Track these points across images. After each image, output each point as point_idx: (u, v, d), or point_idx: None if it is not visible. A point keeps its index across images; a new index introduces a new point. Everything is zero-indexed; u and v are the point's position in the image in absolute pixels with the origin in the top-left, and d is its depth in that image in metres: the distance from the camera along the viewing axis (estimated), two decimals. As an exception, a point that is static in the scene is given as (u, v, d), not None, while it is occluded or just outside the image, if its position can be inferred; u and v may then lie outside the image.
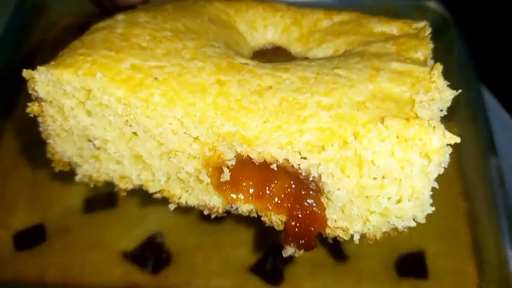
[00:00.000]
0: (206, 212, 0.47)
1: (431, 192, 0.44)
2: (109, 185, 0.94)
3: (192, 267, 0.88)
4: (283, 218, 0.44)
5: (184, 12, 0.53)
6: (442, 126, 0.42)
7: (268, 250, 0.90)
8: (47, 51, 1.15)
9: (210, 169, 0.43)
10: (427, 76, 0.45)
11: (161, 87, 0.41)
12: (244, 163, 0.41)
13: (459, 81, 1.10)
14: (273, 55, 0.53)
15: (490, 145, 0.98)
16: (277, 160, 0.41)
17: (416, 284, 0.89)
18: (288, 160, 0.41)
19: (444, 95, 0.46)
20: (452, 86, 1.13)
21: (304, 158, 0.41)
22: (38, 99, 0.46)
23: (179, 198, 0.48)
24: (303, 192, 0.43)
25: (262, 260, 0.90)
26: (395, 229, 0.47)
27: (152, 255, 0.90)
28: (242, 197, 0.43)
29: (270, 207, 0.44)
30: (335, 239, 0.91)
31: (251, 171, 0.42)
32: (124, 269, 0.88)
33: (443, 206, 0.97)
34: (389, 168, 0.41)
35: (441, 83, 0.46)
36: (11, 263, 0.89)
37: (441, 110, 0.46)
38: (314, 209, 0.43)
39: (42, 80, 0.44)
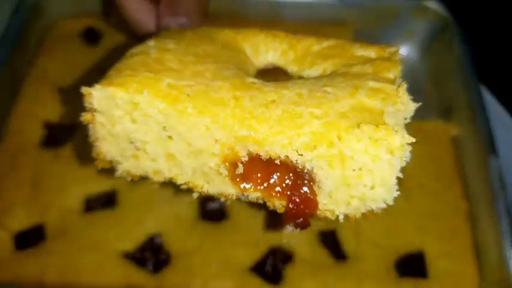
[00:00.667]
0: (223, 199, 0.60)
1: (397, 182, 0.58)
2: (109, 185, 0.96)
3: (191, 268, 0.88)
4: (284, 203, 0.57)
5: (202, 39, 0.66)
6: (404, 130, 0.55)
7: (268, 250, 0.90)
8: (46, 52, 1.15)
9: (227, 164, 0.56)
10: (395, 93, 0.58)
11: (193, 101, 0.54)
12: (254, 159, 0.55)
13: (459, 81, 1.10)
14: (273, 74, 0.67)
15: (490, 145, 0.98)
16: (279, 156, 0.55)
17: (416, 284, 0.89)
18: (288, 156, 0.54)
19: (408, 107, 0.59)
20: (452, 86, 1.14)
21: (301, 155, 0.55)
22: (91, 110, 0.58)
23: (202, 188, 0.60)
24: (299, 182, 0.56)
25: (262, 260, 0.90)
26: (371, 211, 0.59)
27: (151, 255, 0.90)
28: (252, 186, 0.57)
29: (274, 194, 0.58)
30: (335, 239, 0.92)
31: (259, 165, 0.56)
32: (124, 269, 0.88)
33: (443, 206, 0.97)
34: (364, 162, 0.55)
35: (405, 98, 0.58)
36: (10, 263, 0.89)
37: (406, 118, 0.59)
38: (308, 195, 0.57)
39: (98, 96, 0.57)
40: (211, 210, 0.95)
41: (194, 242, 0.90)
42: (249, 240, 0.91)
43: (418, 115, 1.08)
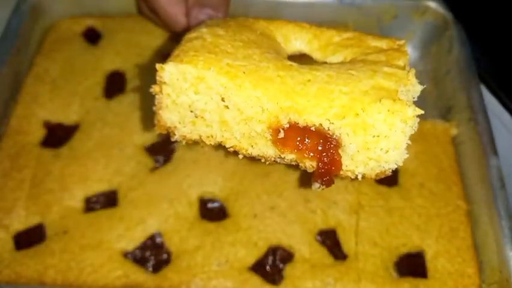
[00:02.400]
0: (263, 160, 0.71)
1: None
2: (109, 184, 0.96)
3: (191, 267, 0.88)
4: (314, 164, 0.68)
5: (243, 28, 0.78)
6: (413, 104, 0.66)
7: (268, 250, 0.90)
8: (47, 52, 1.15)
9: (271, 130, 0.67)
10: (405, 76, 0.69)
11: (248, 78, 0.65)
12: (293, 127, 0.67)
13: (459, 81, 1.10)
14: (300, 59, 0.76)
15: (490, 145, 0.98)
16: (314, 124, 0.66)
17: (416, 284, 0.89)
18: (321, 124, 0.66)
19: (415, 88, 0.70)
20: (452, 86, 1.14)
21: (332, 123, 0.66)
22: (160, 83, 0.68)
23: (247, 150, 0.71)
24: (327, 147, 0.67)
25: (262, 259, 0.90)
26: (384, 171, 0.70)
27: (152, 255, 0.90)
28: (289, 149, 0.68)
29: (306, 156, 0.68)
30: (335, 239, 0.92)
31: (297, 132, 0.67)
32: (124, 269, 0.88)
33: (443, 206, 0.97)
34: (382, 129, 0.65)
35: (414, 81, 0.69)
36: (10, 263, 0.89)
37: (414, 97, 0.70)
38: (335, 157, 0.67)
39: (171, 70, 0.67)
40: (212, 210, 0.96)
41: (194, 242, 0.90)
42: (249, 240, 0.91)
43: (418, 115, 1.09)
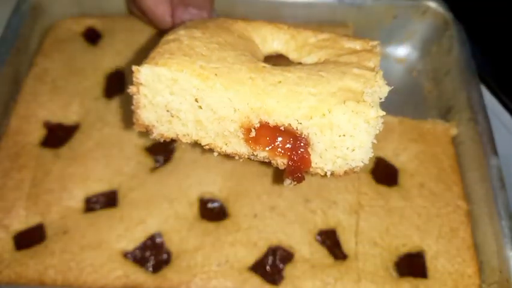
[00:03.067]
0: (237, 158, 0.74)
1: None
2: (109, 184, 0.96)
3: (191, 267, 0.88)
4: (285, 161, 0.71)
5: (221, 30, 0.80)
6: (378, 106, 0.69)
7: (268, 250, 0.90)
8: (47, 52, 1.15)
9: (243, 129, 0.70)
10: (373, 78, 0.72)
11: (220, 80, 0.68)
12: (263, 126, 0.70)
13: (459, 81, 1.10)
14: (277, 59, 0.81)
15: (490, 145, 0.98)
16: (284, 124, 0.69)
17: (416, 284, 0.89)
18: (290, 124, 0.68)
19: (383, 89, 0.71)
20: (452, 86, 1.14)
21: (300, 124, 0.68)
22: (136, 84, 0.70)
23: (221, 148, 0.74)
24: (297, 145, 0.70)
25: (262, 259, 0.90)
26: (352, 169, 0.72)
27: (152, 255, 0.90)
28: (261, 147, 0.71)
29: (277, 154, 0.71)
30: (335, 239, 0.92)
31: (267, 131, 0.70)
32: (124, 269, 0.88)
33: (443, 206, 0.97)
34: (347, 129, 0.68)
35: (381, 82, 0.71)
36: (10, 263, 0.89)
37: (381, 98, 0.72)
38: (304, 155, 0.71)
39: (146, 72, 0.69)
40: (211, 210, 0.96)
41: (194, 242, 0.90)
42: (249, 240, 0.91)
43: (418, 115, 1.09)
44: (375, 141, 0.71)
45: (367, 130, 0.68)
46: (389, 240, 0.93)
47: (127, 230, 0.91)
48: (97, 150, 1.00)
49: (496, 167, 0.95)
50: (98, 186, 0.96)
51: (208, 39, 0.75)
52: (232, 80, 0.69)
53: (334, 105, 0.67)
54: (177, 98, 0.70)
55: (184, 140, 0.74)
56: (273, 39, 0.83)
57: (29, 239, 0.92)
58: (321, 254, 0.91)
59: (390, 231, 0.93)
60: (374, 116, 0.67)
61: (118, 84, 1.10)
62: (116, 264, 0.88)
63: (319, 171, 0.73)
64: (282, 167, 0.73)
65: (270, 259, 0.90)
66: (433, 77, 1.20)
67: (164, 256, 0.90)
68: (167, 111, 0.72)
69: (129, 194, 0.95)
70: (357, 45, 0.80)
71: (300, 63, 0.80)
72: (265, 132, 0.70)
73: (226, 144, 0.74)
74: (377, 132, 0.70)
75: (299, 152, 0.70)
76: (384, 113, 0.69)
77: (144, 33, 1.17)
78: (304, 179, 0.73)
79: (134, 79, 0.70)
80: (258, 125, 0.69)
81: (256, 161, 0.74)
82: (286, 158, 0.71)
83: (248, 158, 0.74)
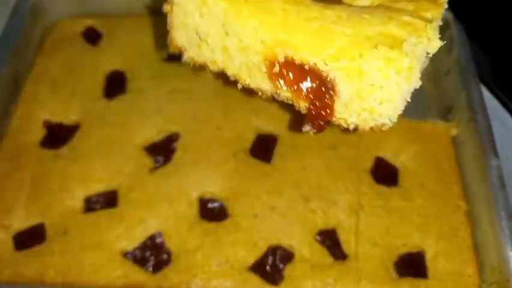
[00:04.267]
0: (260, 93, 0.71)
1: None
2: (109, 185, 0.96)
3: (191, 267, 0.88)
4: (307, 105, 0.67)
5: None
6: (418, 58, 0.62)
7: (268, 250, 0.91)
8: (47, 52, 1.15)
9: (267, 63, 0.66)
10: (424, 27, 0.64)
11: (247, 6, 0.64)
12: (289, 63, 0.65)
13: (459, 81, 1.10)
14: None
15: (490, 145, 0.98)
16: (309, 63, 0.64)
17: (416, 284, 0.89)
18: (316, 64, 0.63)
19: (433, 43, 0.64)
20: (452, 86, 1.14)
21: (326, 65, 0.63)
22: (170, 2, 0.69)
23: (245, 80, 0.71)
24: (322, 89, 0.65)
25: (262, 259, 0.90)
26: (378, 126, 0.67)
27: (152, 255, 0.90)
28: (284, 86, 0.67)
29: (300, 96, 0.67)
30: (335, 239, 0.92)
31: (292, 69, 0.65)
32: (124, 269, 0.88)
33: (443, 206, 0.97)
34: (377, 78, 0.62)
35: (431, 34, 0.64)
36: (10, 263, 0.89)
37: (428, 53, 0.65)
38: (327, 101, 0.65)
39: None
40: (212, 210, 0.96)
41: (194, 242, 0.90)
42: (249, 240, 0.91)
43: (418, 115, 1.09)
44: (408, 98, 0.65)
45: (397, 82, 0.62)
46: (389, 240, 0.93)
47: (127, 230, 0.91)
48: (97, 151, 1.00)
49: (496, 167, 0.95)
50: (98, 186, 0.97)
51: None
52: (262, 9, 0.64)
53: (366, 49, 0.61)
54: (206, 21, 0.68)
55: (211, 68, 0.72)
56: None
57: (29, 239, 0.92)
58: (321, 254, 0.91)
59: (390, 231, 0.94)
60: (406, 66, 0.61)
61: (118, 84, 1.10)
62: (116, 264, 0.88)
63: (342, 122, 0.68)
64: (304, 111, 0.68)
65: (270, 259, 0.90)
66: (433, 77, 1.20)
67: (165, 256, 0.90)
68: (197, 34, 0.70)
69: (129, 194, 0.95)
70: None
71: (351, 5, 0.72)
72: (289, 70, 0.65)
73: (250, 77, 0.70)
74: (411, 88, 0.64)
75: (322, 96, 0.65)
76: (420, 66, 0.62)
77: (145, 33, 1.17)
78: (325, 128, 0.67)
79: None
80: (283, 60, 0.65)
81: (279, 101, 0.71)
82: (309, 102, 0.66)
83: (272, 97, 0.70)
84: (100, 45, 1.17)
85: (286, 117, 1.04)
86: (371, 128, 0.68)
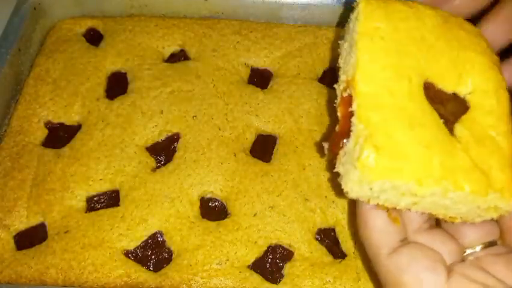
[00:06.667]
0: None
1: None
2: (110, 184, 0.96)
3: (192, 266, 0.89)
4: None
5: None
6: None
7: (268, 249, 0.91)
8: (48, 53, 1.15)
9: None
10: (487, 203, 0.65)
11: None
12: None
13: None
14: (451, 103, 0.68)
15: (489, 145, 0.98)
16: None
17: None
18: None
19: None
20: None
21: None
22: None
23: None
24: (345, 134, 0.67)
25: (262, 258, 0.90)
26: None
27: (153, 254, 0.91)
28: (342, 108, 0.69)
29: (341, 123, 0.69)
30: (334, 238, 0.92)
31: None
32: (125, 268, 0.89)
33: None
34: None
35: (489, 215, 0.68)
36: (11, 263, 0.89)
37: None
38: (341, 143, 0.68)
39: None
40: (212, 209, 0.97)
41: (195, 241, 0.91)
42: (249, 239, 0.91)
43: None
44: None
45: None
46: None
47: (128, 229, 0.92)
48: (98, 150, 1.00)
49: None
50: (99, 186, 0.97)
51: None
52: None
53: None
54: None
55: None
56: (472, 82, 0.69)
57: (30, 238, 0.93)
58: (321, 253, 0.91)
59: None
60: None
61: (119, 85, 1.10)
62: (117, 263, 0.89)
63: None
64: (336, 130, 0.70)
65: (270, 258, 0.91)
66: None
67: (165, 255, 0.91)
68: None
69: (130, 193, 0.96)
70: (498, 129, 0.67)
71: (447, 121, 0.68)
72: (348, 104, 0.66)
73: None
74: None
75: (342, 140, 0.67)
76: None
77: (146, 34, 1.17)
78: (335, 158, 0.69)
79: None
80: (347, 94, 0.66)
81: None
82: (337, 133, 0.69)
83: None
84: (101, 45, 1.17)
85: (286, 117, 1.04)
86: None
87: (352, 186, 0.64)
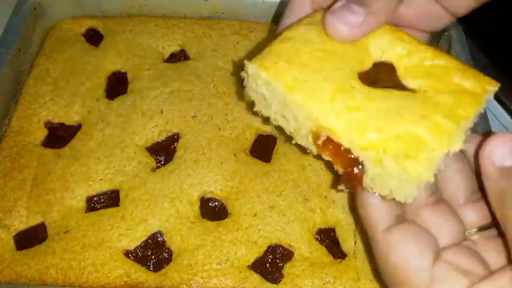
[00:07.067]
0: (308, 151, 0.78)
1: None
2: (110, 184, 0.96)
3: (192, 266, 0.89)
4: (343, 170, 0.73)
5: None
6: (428, 163, 0.66)
7: (268, 248, 0.91)
8: (48, 53, 1.15)
9: (313, 136, 0.73)
10: (449, 139, 0.68)
11: (301, 94, 0.72)
12: (329, 139, 0.71)
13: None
14: (381, 70, 0.77)
15: (489, 145, 0.98)
16: (344, 147, 0.70)
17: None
18: (350, 149, 0.70)
19: (455, 145, 0.68)
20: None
21: (357, 152, 0.69)
22: (246, 71, 0.77)
23: (298, 140, 0.79)
24: (354, 163, 0.71)
25: (262, 258, 0.90)
26: (401, 198, 0.70)
27: (153, 254, 0.91)
28: (326, 153, 0.74)
29: (338, 163, 0.73)
30: (334, 238, 0.92)
31: (332, 144, 0.72)
32: (125, 268, 0.89)
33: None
34: (395, 176, 0.68)
35: (457, 144, 0.68)
36: (11, 263, 0.89)
37: (449, 153, 0.68)
38: (357, 174, 0.71)
39: (251, 68, 0.75)
40: (212, 209, 0.96)
41: (195, 241, 0.91)
42: (249, 239, 0.91)
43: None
44: (422, 188, 0.68)
45: (410, 183, 0.66)
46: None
47: (128, 229, 0.92)
48: (98, 151, 1.00)
49: (494, 167, 0.95)
50: (99, 186, 0.97)
51: (318, 44, 0.77)
52: (312, 97, 0.72)
53: (389, 149, 0.66)
54: (270, 94, 0.76)
55: (273, 122, 0.80)
56: (389, 49, 0.79)
57: (30, 238, 0.92)
58: (320, 253, 0.91)
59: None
60: (419, 173, 0.64)
61: (119, 85, 1.10)
62: (117, 263, 0.89)
63: (369, 189, 0.72)
64: (340, 173, 0.75)
65: (270, 258, 0.91)
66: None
67: (165, 255, 0.91)
68: (264, 99, 0.78)
69: (131, 193, 0.96)
70: (467, 83, 0.74)
71: (397, 86, 0.76)
72: (329, 144, 0.72)
73: (301, 140, 0.78)
74: (421, 188, 0.68)
75: (354, 168, 0.71)
76: (435, 168, 0.66)
77: (146, 34, 1.18)
78: (356, 189, 0.74)
79: (244, 68, 0.77)
80: (325, 137, 0.72)
81: (324, 159, 0.78)
82: (344, 169, 0.73)
83: (318, 155, 0.78)
84: (101, 46, 1.17)
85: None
86: (393, 200, 0.71)
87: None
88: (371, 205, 0.73)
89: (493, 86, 0.75)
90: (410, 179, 0.66)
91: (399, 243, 0.68)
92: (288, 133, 0.80)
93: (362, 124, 0.69)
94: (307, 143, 0.77)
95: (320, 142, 0.73)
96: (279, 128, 0.81)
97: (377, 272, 0.74)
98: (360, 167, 0.71)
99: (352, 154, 0.70)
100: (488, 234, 0.73)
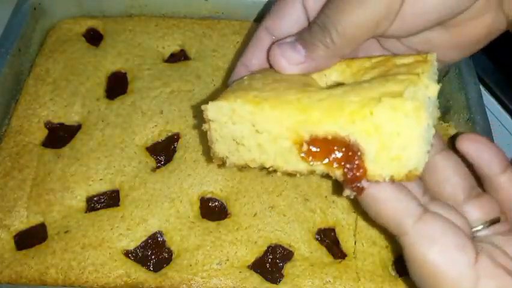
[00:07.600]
0: (298, 175, 0.74)
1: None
2: (110, 184, 0.96)
3: (192, 266, 0.89)
4: (341, 172, 0.69)
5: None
6: (423, 102, 0.66)
7: (268, 248, 0.91)
8: (48, 53, 1.15)
9: (296, 145, 0.70)
10: (417, 79, 0.69)
11: (268, 102, 0.71)
12: (313, 139, 0.69)
13: (458, 81, 1.11)
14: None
15: (489, 146, 0.98)
16: (330, 134, 0.68)
17: (415, 283, 0.89)
18: (336, 132, 0.67)
19: (431, 88, 0.69)
20: (451, 87, 1.14)
21: (345, 130, 0.66)
22: (207, 121, 0.75)
23: (282, 167, 0.74)
24: (350, 153, 0.67)
25: (262, 258, 0.90)
26: (412, 172, 0.66)
27: (153, 254, 0.91)
28: (316, 161, 0.70)
29: (333, 166, 0.69)
30: (334, 238, 0.92)
31: (318, 143, 0.69)
32: (125, 268, 0.89)
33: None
34: (391, 126, 0.65)
35: (426, 81, 0.69)
36: (11, 263, 0.89)
37: (430, 97, 0.69)
38: (358, 162, 0.67)
39: (212, 109, 0.74)
40: (212, 209, 0.97)
41: (195, 241, 0.91)
42: (249, 239, 0.91)
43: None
44: (430, 140, 0.67)
45: (409, 124, 0.65)
46: (388, 239, 0.93)
47: (128, 229, 0.92)
48: (98, 151, 1.00)
49: (494, 167, 0.95)
50: (99, 186, 0.97)
51: (265, 77, 0.79)
52: (280, 101, 0.72)
53: (373, 106, 0.65)
54: (238, 126, 0.74)
55: (252, 165, 0.77)
56: (330, 73, 0.83)
57: (30, 238, 0.92)
58: (320, 253, 0.91)
59: (389, 231, 0.94)
60: (411, 107, 0.64)
61: (119, 85, 1.11)
62: (117, 263, 0.89)
63: (378, 178, 0.68)
64: (341, 179, 0.71)
65: (270, 258, 0.91)
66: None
67: (165, 255, 0.91)
68: (234, 140, 0.76)
69: (131, 193, 0.96)
70: (410, 59, 0.78)
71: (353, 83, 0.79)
72: (316, 145, 0.69)
73: (286, 163, 0.74)
74: (425, 125, 0.66)
75: (353, 160, 0.67)
76: (426, 108, 0.65)
77: (146, 34, 1.18)
78: (364, 189, 0.69)
79: (204, 117, 0.76)
80: (308, 138, 0.70)
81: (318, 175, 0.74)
82: (342, 169, 0.69)
83: (310, 174, 0.74)
84: (101, 46, 1.17)
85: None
86: (407, 176, 0.67)
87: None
88: (386, 200, 0.66)
89: (432, 54, 0.78)
90: (408, 116, 0.64)
91: (439, 236, 0.60)
92: (271, 167, 0.76)
93: (337, 104, 0.69)
94: (294, 160, 0.73)
95: (304, 149, 0.71)
96: (262, 169, 0.77)
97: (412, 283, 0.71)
98: (357, 153, 0.67)
99: (343, 145, 0.68)
100: (499, 229, 0.69)
